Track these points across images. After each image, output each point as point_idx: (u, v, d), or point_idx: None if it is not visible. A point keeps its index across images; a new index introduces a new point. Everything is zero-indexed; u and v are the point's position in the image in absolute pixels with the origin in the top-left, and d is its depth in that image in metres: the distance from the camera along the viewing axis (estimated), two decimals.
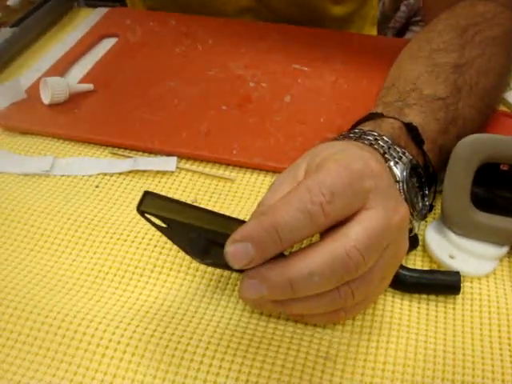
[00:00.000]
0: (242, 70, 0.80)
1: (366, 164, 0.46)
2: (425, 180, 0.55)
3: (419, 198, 0.54)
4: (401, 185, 0.51)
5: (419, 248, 0.58)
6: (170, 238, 0.50)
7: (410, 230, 0.54)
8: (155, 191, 0.45)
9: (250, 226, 0.42)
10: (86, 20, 0.95)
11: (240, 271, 0.44)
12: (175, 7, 0.98)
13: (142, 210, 0.44)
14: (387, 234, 0.45)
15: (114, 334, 0.49)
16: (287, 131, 0.69)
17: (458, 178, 0.55)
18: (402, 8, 1.90)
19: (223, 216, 0.45)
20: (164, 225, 0.46)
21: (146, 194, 0.44)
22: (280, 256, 0.43)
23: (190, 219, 0.44)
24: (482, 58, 0.65)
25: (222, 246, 0.43)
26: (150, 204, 0.44)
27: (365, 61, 0.82)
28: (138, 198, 0.45)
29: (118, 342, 0.49)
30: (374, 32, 1.15)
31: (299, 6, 0.98)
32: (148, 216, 0.45)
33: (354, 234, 0.43)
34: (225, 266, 0.44)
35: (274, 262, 0.43)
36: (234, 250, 0.42)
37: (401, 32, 1.90)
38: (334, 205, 0.42)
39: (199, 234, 0.45)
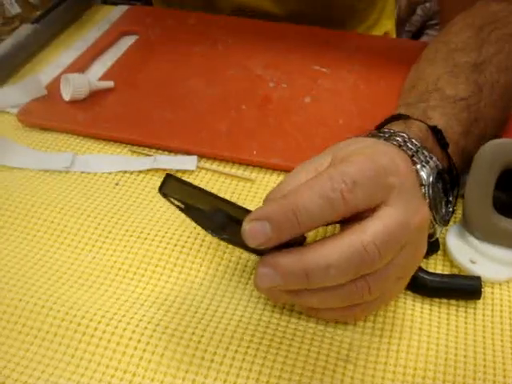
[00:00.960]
0: (261, 70, 0.80)
1: (392, 161, 0.46)
2: (449, 186, 0.54)
3: (443, 204, 0.53)
4: (426, 189, 0.51)
5: (440, 252, 0.57)
6: (187, 215, 0.51)
7: (432, 235, 0.54)
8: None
9: (270, 206, 0.43)
10: (107, 17, 0.95)
11: (255, 252, 0.45)
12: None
13: (163, 192, 0.46)
14: (406, 232, 0.44)
15: (134, 332, 0.50)
16: (307, 132, 0.69)
17: (480, 183, 0.55)
18: (418, 11, 1.89)
19: (241, 207, 0.45)
20: (182, 206, 0.47)
21: (168, 176, 0.46)
22: (297, 246, 0.44)
23: (207, 206, 0.45)
24: (500, 56, 0.65)
25: (240, 223, 0.43)
26: (171, 187, 0.45)
27: (383, 62, 0.82)
28: (157, 197, 0.45)
29: (138, 341, 0.49)
30: (391, 26, 1.14)
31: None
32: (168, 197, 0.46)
33: (373, 228, 0.43)
34: (240, 244, 0.44)
35: (291, 251, 0.43)
36: (251, 227, 0.43)
37: (417, 35, 1.89)
38: (355, 194, 0.43)
39: (216, 213, 0.45)
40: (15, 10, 0.89)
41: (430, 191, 0.51)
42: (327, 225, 0.45)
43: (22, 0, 0.92)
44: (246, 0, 0.98)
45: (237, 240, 0.45)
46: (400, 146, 0.52)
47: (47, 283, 0.54)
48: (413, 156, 0.51)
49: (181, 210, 0.49)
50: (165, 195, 0.46)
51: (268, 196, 0.48)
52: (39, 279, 0.54)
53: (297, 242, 0.44)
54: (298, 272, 0.42)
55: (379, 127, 0.58)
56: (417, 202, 0.47)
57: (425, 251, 0.49)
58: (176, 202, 0.47)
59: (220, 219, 0.45)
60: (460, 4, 0.75)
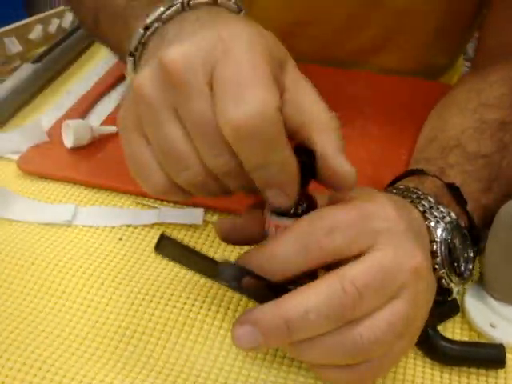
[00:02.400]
0: None
1: (381, 207, 0.44)
2: (469, 243, 0.52)
3: (461, 261, 0.51)
4: (438, 245, 0.49)
5: (458, 314, 0.55)
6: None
7: (448, 293, 0.51)
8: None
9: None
10: (109, 56, 0.93)
11: (253, 297, 0.44)
12: None
13: (157, 252, 0.45)
14: (396, 276, 0.42)
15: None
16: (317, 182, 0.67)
17: (501, 244, 0.53)
18: None
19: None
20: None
21: (162, 237, 0.45)
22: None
23: (201, 270, 0.44)
24: None
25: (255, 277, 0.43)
26: (165, 248, 0.44)
27: (394, 104, 0.80)
28: None
29: None
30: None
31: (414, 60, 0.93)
32: None
33: (353, 270, 0.41)
34: (237, 289, 0.44)
35: (268, 304, 0.41)
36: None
37: None
38: (333, 239, 0.41)
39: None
40: (16, 48, 0.87)
41: (443, 248, 0.49)
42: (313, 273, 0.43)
43: (24, 37, 0.89)
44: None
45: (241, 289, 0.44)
46: (412, 201, 0.51)
47: (47, 350, 0.51)
48: (425, 212, 0.50)
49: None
50: (160, 255, 0.45)
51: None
52: (39, 346, 0.52)
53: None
54: (278, 324, 0.40)
55: (394, 182, 0.57)
56: (411, 246, 0.44)
57: (430, 304, 0.47)
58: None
59: (228, 271, 0.43)
60: (501, 48, 0.74)
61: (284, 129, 0.40)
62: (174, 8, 0.51)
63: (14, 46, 0.88)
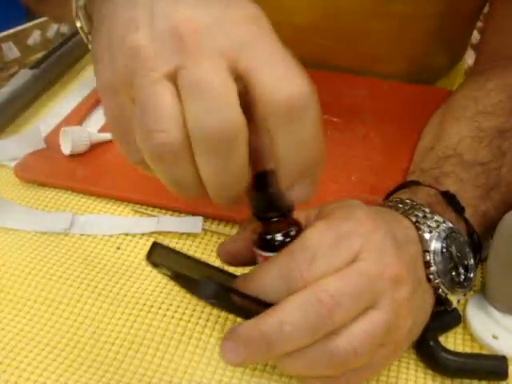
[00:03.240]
0: None
1: (357, 223, 0.44)
2: (469, 250, 0.52)
3: (460, 269, 0.50)
4: (432, 255, 0.48)
5: (460, 324, 0.54)
6: (177, 282, 0.51)
7: (445, 303, 0.51)
8: None
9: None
10: None
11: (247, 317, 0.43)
12: None
13: (151, 260, 0.45)
14: (374, 284, 0.42)
15: None
16: (319, 190, 0.66)
17: (503, 254, 0.52)
18: None
19: (230, 274, 0.47)
20: (170, 274, 0.47)
21: (155, 245, 0.45)
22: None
23: (195, 274, 0.45)
24: None
25: (229, 291, 0.43)
26: (159, 255, 0.45)
27: (396, 111, 0.79)
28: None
29: None
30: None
31: (416, 64, 0.92)
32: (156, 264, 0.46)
33: (328, 281, 0.42)
34: (227, 308, 0.46)
35: (250, 320, 0.42)
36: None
37: None
38: (315, 268, 0.42)
39: (205, 282, 0.43)
40: (14, 54, 0.87)
41: (436, 257, 0.48)
42: None
43: (22, 43, 0.89)
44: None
45: (227, 306, 0.45)
46: (403, 212, 0.50)
47: (44, 362, 0.51)
48: (417, 222, 0.49)
49: (170, 278, 0.48)
50: (153, 264, 0.45)
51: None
52: (35, 358, 0.51)
53: None
54: (257, 338, 0.41)
55: (389, 195, 0.57)
56: (389, 255, 0.44)
57: (423, 313, 0.48)
58: (164, 271, 0.46)
59: (209, 288, 0.42)
60: (500, 54, 0.73)
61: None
62: None
63: (11, 51, 0.87)
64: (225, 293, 0.41)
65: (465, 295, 0.52)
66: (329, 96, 0.81)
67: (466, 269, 0.51)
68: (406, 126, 0.75)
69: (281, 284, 0.42)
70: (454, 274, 0.49)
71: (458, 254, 0.50)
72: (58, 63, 0.88)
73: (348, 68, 0.87)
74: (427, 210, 0.51)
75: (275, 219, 0.44)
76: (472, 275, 0.51)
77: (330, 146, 0.71)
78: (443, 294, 0.49)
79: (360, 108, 0.79)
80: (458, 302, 0.51)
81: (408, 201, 0.52)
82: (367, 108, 0.79)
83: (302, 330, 0.40)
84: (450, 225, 0.50)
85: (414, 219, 0.50)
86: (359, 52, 0.88)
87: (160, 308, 0.55)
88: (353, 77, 0.85)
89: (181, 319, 0.54)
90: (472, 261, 0.52)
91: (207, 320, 0.54)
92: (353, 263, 0.43)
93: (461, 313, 0.54)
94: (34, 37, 0.91)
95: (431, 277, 0.48)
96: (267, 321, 0.41)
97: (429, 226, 0.49)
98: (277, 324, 0.40)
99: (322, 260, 0.42)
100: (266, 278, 0.43)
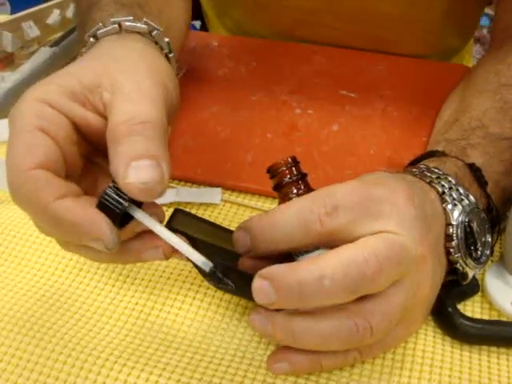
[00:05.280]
0: (286, 95, 0.77)
1: (391, 192, 0.44)
2: (488, 227, 0.51)
3: (478, 245, 0.50)
4: (455, 229, 0.48)
5: (478, 294, 0.54)
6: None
7: (463, 277, 0.51)
8: None
9: (250, 221, 0.44)
10: None
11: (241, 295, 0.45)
12: (264, 32, 0.93)
13: (171, 226, 0.45)
14: (407, 260, 0.42)
15: (142, 370, 0.47)
16: (336, 163, 0.66)
17: None
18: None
19: None
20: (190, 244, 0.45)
21: (177, 211, 0.46)
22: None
23: (214, 239, 0.45)
24: None
25: (240, 273, 0.43)
26: (180, 221, 0.45)
27: (414, 86, 0.79)
28: None
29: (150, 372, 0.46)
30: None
31: (428, 42, 0.92)
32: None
33: (374, 242, 0.41)
34: (239, 293, 0.45)
35: (287, 264, 0.41)
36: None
37: None
38: (335, 218, 0.41)
39: (220, 257, 0.44)
40: (34, 32, 0.87)
41: (459, 231, 0.48)
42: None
43: (41, 22, 0.89)
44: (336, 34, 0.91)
45: (236, 290, 0.44)
46: (431, 181, 0.50)
47: (65, 326, 0.51)
48: (443, 193, 0.49)
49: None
50: (173, 230, 0.44)
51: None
52: (56, 322, 0.51)
53: None
54: (291, 284, 0.40)
55: (414, 163, 0.56)
56: (419, 234, 0.44)
57: (430, 295, 0.47)
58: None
59: (222, 268, 0.43)
60: None
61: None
62: (109, 28, 0.51)
63: (31, 30, 0.88)
64: (228, 273, 0.42)
65: (479, 271, 0.52)
66: (347, 72, 0.81)
67: (483, 245, 0.51)
68: (424, 101, 0.75)
69: (297, 225, 0.42)
70: (472, 249, 0.49)
71: (478, 230, 0.50)
72: (76, 42, 0.89)
73: (359, 50, 0.87)
74: (453, 180, 0.50)
75: (289, 180, 0.45)
76: (488, 252, 0.51)
77: (348, 120, 0.72)
78: (460, 268, 0.49)
79: (378, 84, 0.79)
80: (474, 275, 0.51)
81: (436, 170, 0.51)
82: (385, 84, 0.79)
83: (341, 287, 0.40)
84: (474, 200, 0.50)
85: (440, 190, 0.49)
86: (370, 34, 0.88)
87: (180, 274, 0.55)
88: (370, 54, 0.85)
89: (200, 285, 0.54)
90: (490, 238, 0.51)
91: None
92: (391, 233, 0.42)
93: (479, 281, 0.54)
94: (54, 16, 0.91)
95: (451, 250, 0.48)
96: (307, 270, 0.40)
97: (453, 199, 0.49)
98: (316, 276, 0.39)
99: (345, 213, 0.41)
100: (283, 216, 0.42)
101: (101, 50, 0.49)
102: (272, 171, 0.47)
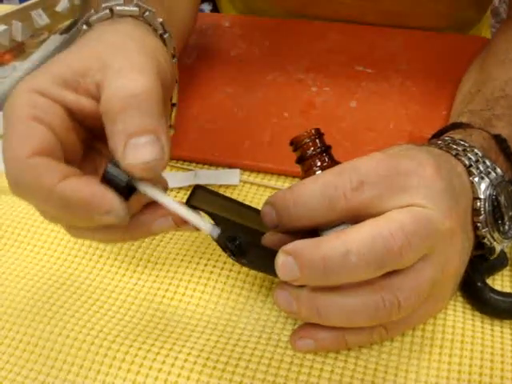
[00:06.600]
0: (302, 73, 0.76)
1: (419, 164, 0.42)
2: None
3: (506, 219, 0.48)
4: (482, 203, 0.46)
5: (507, 267, 0.53)
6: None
7: (491, 252, 0.49)
8: None
9: (275, 196, 0.43)
10: None
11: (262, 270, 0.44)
12: (275, 11, 0.92)
13: (191, 204, 0.44)
14: (435, 234, 0.41)
15: (167, 356, 0.46)
16: (355, 139, 0.65)
17: None
18: None
19: None
20: (212, 221, 0.45)
21: (197, 188, 0.45)
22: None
23: (236, 217, 0.45)
24: None
25: (263, 248, 0.43)
26: (200, 199, 0.45)
27: (431, 60, 0.77)
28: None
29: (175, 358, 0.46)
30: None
31: (442, 15, 0.91)
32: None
33: (401, 217, 0.39)
34: (260, 268, 0.45)
35: (312, 239, 0.40)
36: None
37: None
38: (361, 193, 0.40)
39: (242, 233, 0.43)
40: (44, 20, 0.86)
41: (487, 205, 0.46)
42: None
43: (50, 10, 0.88)
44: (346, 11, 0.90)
45: (258, 265, 0.44)
46: (457, 154, 0.48)
47: (87, 314, 0.51)
48: (470, 166, 0.47)
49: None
50: (193, 207, 0.44)
51: None
52: (79, 309, 0.51)
53: None
54: (315, 259, 0.38)
55: (437, 135, 0.54)
56: (447, 207, 0.42)
57: (458, 270, 0.46)
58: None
59: (244, 243, 0.42)
60: None
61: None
62: (101, 14, 0.50)
63: (41, 18, 0.87)
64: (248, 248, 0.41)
65: (506, 245, 0.50)
66: (362, 48, 0.80)
67: (511, 219, 0.49)
68: (441, 74, 0.74)
69: (321, 201, 0.40)
70: (499, 223, 0.48)
71: (506, 204, 0.48)
72: None
73: (374, 24, 0.85)
74: (480, 153, 0.48)
75: (313, 152, 0.44)
76: None
77: (365, 95, 0.71)
78: (488, 243, 0.48)
79: (395, 58, 0.78)
80: (502, 248, 0.50)
81: (462, 142, 0.49)
82: (402, 58, 0.77)
83: (367, 263, 0.38)
84: (501, 172, 0.48)
85: (467, 162, 0.47)
86: (382, 8, 0.86)
87: (201, 257, 0.54)
88: (385, 28, 0.83)
89: (222, 268, 0.54)
90: None
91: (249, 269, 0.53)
92: (415, 206, 0.41)
93: (508, 255, 0.53)
94: (63, 3, 0.90)
95: (479, 225, 0.47)
96: (332, 245, 0.39)
97: (480, 172, 0.47)
98: (342, 252, 0.38)
99: (371, 188, 0.40)
100: (306, 192, 0.41)
101: (91, 35, 0.49)
102: (295, 143, 0.46)
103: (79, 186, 0.40)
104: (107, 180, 0.40)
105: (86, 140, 0.46)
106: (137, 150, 0.39)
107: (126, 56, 0.44)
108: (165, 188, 0.45)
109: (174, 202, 0.42)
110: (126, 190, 0.41)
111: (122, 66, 0.42)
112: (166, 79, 0.46)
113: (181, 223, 0.44)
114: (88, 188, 0.40)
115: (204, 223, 0.42)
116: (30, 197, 0.41)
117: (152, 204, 0.44)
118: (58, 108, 0.42)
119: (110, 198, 0.40)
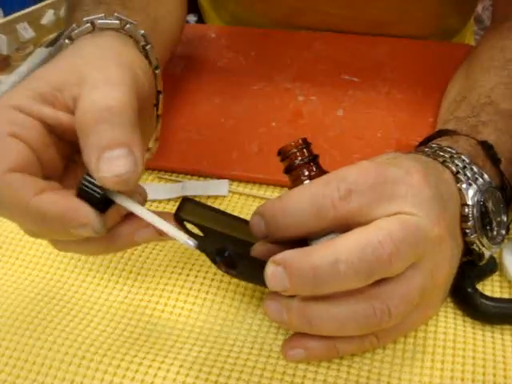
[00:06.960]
0: (289, 82, 0.76)
1: (406, 172, 0.42)
2: (504, 206, 0.50)
3: (494, 225, 0.49)
4: (470, 209, 0.47)
5: (497, 273, 0.53)
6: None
7: (479, 258, 0.49)
8: None
9: (264, 206, 0.43)
10: None
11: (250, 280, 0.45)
12: (261, 21, 0.92)
13: (179, 216, 0.44)
14: (424, 241, 0.41)
15: (159, 369, 0.46)
16: (343, 148, 0.65)
17: None
18: None
19: None
20: (200, 233, 0.45)
21: (185, 200, 0.45)
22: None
23: (224, 228, 0.45)
24: None
25: (252, 259, 0.43)
26: (188, 211, 0.44)
27: (417, 68, 0.78)
28: (188, 226, 0.44)
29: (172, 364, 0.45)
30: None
31: (426, 23, 0.91)
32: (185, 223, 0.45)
33: (390, 225, 0.39)
34: (250, 279, 0.45)
35: (301, 249, 0.40)
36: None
37: None
38: (349, 202, 0.40)
39: (231, 245, 0.42)
40: (29, 34, 0.86)
41: (475, 211, 0.47)
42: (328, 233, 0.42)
43: (35, 23, 0.88)
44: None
45: (247, 276, 0.44)
46: (444, 161, 0.48)
47: (77, 328, 0.50)
48: (457, 173, 0.48)
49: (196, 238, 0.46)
50: (181, 220, 0.44)
51: None
52: (69, 323, 0.51)
53: None
54: (305, 269, 0.38)
55: (424, 142, 0.55)
56: (436, 214, 0.43)
57: (448, 276, 0.46)
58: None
59: (233, 255, 0.42)
60: None
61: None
62: (82, 28, 0.50)
63: (26, 32, 0.87)
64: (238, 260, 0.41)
65: (495, 251, 0.50)
66: (348, 57, 0.80)
67: (499, 225, 0.49)
68: (427, 82, 0.74)
69: (310, 210, 0.41)
70: (488, 229, 0.48)
71: (493, 209, 0.49)
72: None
73: (360, 33, 0.85)
74: (467, 159, 0.48)
75: (301, 162, 0.44)
76: (504, 232, 0.49)
77: (352, 104, 0.71)
78: (477, 249, 0.48)
79: (380, 67, 0.78)
80: (491, 255, 0.50)
81: (449, 149, 0.50)
82: (388, 66, 0.78)
83: (357, 271, 0.38)
84: (488, 179, 0.49)
85: (454, 169, 0.48)
86: (367, 18, 0.86)
87: (191, 269, 0.54)
88: (370, 37, 0.84)
89: (213, 279, 0.54)
90: (505, 217, 0.50)
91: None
92: (406, 214, 0.41)
93: (497, 260, 0.53)
94: (48, 16, 0.90)
95: (468, 231, 0.47)
96: (321, 255, 0.39)
97: (468, 178, 0.47)
98: (331, 261, 0.38)
99: (359, 197, 0.40)
100: (294, 202, 0.41)
101: (70, 49, 0.49)
102: (283, 153, 0.46)
103: (54, 199, 0.40)
104: (83, 193, 0.40)
105: (67, 154, 0.46)
106: (110, 163, 0.39)
107: (102, 69, 0.44)
108: (144, 198, 0.45)
109: (149, 213, 0.42)
110: (102, 202, 0.41)
111: (97, 80, 0.43)
112: (142, 91, 0.46)
113: (163, 233, 0.44)
114: (62, 201, 0.40)
115: (179, 234, 0.41)
116: (8, 213, 0.41)
117: (132, 215, 0.43)
118: (36, 123, 0.42)
119: (84, 211, 0.40)
